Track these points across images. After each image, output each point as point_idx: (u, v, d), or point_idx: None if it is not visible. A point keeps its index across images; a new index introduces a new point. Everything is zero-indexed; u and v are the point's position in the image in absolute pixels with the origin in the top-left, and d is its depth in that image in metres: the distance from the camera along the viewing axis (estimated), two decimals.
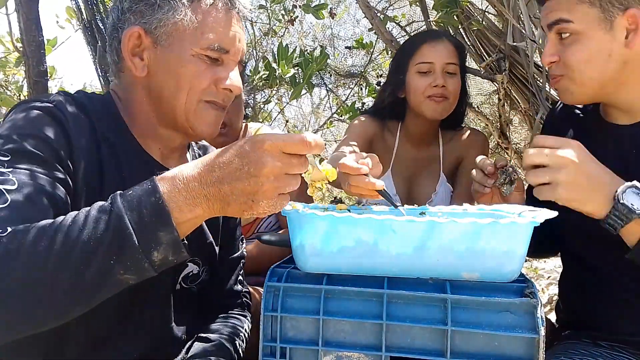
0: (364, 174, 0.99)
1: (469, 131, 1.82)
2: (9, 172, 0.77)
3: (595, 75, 1.06)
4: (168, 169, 0.97)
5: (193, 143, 1.15)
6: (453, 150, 1.81)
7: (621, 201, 0.90)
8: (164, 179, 0.74)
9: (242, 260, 1.23)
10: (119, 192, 0.73)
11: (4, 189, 0.75)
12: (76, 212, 0.72)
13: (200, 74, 0.95)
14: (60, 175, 0.83)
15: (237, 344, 1.09)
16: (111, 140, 0.94)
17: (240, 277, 1.22)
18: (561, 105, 1.35)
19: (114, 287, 0.72)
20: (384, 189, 0.99)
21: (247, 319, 1.18)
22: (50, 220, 0.71)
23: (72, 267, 0.67)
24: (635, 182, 0.92)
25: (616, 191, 0.91)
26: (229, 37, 0.97)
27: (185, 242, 0.74)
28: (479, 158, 1.17)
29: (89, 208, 0.72)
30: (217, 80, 0.97)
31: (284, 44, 2.29)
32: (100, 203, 0.72)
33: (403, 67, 1.70)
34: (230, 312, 1.17)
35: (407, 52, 1.71)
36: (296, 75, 2.27)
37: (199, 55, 0.95)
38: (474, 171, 1.17)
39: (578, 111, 1.29)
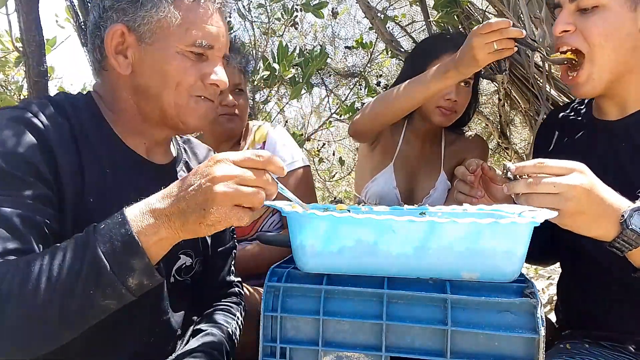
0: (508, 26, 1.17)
1: (471, 135, 1.88)
2: None
3: (612, 52, 1.06)
4: (153, 163, 1.03)
5: (177, 135, 1.16)
6: (455, 152, 1.87)
7: (630, 227, 0.87)
8: (134, 207, 0.78)
9: (234, 251, 1.25)
10: (92, 225, 0.78)
11: None
12: (56, 247, 0.77)
13: (186, 70, 0.96)
14: (42, 192, 0.84)
15: (231, 332, 1.10)
16: (90, 139, 0.94)
17: (232, 268, 1.24)
18: (548, 116, 1.36)
19: (98, 313, 0.78)
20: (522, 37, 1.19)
21: (240, 307, 1.20)
22: (32, 257, 0.76)
23: (58, 300, 0.74)
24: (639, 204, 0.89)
25: (623, 216, 0.88)
26: (214, 32, 0.98)
27: (160, 265, 0.80)
28: (458, 169, 1.12)
29: (66, 244, 0.77)
30: (203, 76, 0.98)
31: (284, 44, 2.29)
32: (76, 237, 0.78)
33: (420, 70, 1.70)
34: (223, 300, 1.19)
35: (426, 56, 1.70)
36: (296, 75, 2.27)
37: (183, 52, 0.96)
38: (458, 183, 1.12)
39: (568, 113, 1.29)
